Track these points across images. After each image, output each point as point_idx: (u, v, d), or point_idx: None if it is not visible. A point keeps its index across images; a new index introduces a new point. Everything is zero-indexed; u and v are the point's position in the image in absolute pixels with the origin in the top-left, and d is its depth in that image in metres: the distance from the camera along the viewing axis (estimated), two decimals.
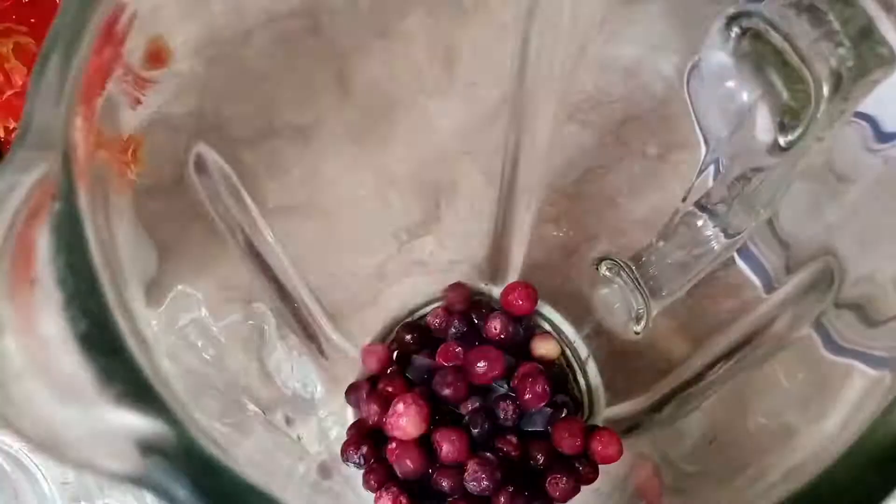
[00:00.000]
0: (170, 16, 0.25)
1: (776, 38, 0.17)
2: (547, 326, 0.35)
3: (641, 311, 0.29)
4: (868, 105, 0.19)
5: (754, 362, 0.22)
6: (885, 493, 0.11)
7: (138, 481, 0.11)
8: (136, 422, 0.11)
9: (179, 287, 0.26)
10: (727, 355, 0.24)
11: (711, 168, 0.27)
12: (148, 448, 0.11)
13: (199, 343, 0.25)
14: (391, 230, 0.40)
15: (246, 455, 0.22)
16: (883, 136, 0.20)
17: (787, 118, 0.18)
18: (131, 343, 0.12)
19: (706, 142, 0.23)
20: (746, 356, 0.23)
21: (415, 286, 0.38)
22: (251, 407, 0.26)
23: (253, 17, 0.40)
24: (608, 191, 0.40)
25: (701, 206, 0.27)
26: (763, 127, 0.19)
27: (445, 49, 0.39)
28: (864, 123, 0.20)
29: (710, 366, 0.25)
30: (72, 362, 0.11)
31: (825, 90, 0.17)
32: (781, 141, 0.18)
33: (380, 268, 0.39)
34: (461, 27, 0.38)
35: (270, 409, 0.27)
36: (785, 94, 0.17)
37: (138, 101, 0.22)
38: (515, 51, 0.29)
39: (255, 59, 0.38)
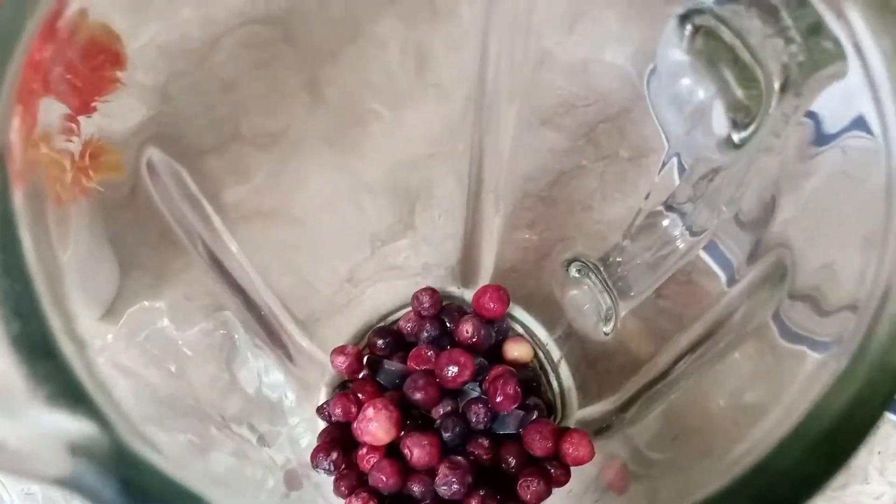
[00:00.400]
0: (125, 18, 0.25)
1: (728, 34, 0.17)
2: (520, 329, 0.35)
3: (610, 311, 0.29)
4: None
5: (717, 355, 0.22)
6: (826, 475, 0.11)
7: (66, 483, 0.11)
8: (66, 423, 0.11)
9: (142, 299, 0.26)
10: (691, 349, 0.24)
11: (675, 167, 0.27)
12: (77, 450, 0.11)
13: (163, 356, 0.25)
14: (365, 236, 0.39)
15: (210, 468, 0.22)
16: (823, 138, 0.20)
17: (740, 115, 0.18)
18: (65, 345, 0.12)
19: (667, 140, 0.23)
20: (709, 350, 0.23)
21: (388, 291, 0.38)
22: (218, 419, 0.25)
23: (222, 24, 0.40)
24: (581, 194, 0.40)
25: (667, 205, 0.27)
26: (718, 124, 0.19)
27: (417, 53, 0.39)
28: (810, 122, 0.20)
29: (676, 361, 0.25)
30: (3, 363, 0.11)
31: (776, 86, 0.17)
32: (735, 138, 0.18)
33: (352, 273, 0.39)
34: (433, 31, 0.38)
35: (238, 421, 0.26)
36: (738, 91, 0.18)
37: (91, 106, 0.22)
38: (477, 53, 0.29)
39: (222, 65, 0.38)
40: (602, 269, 0.29)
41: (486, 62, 0.28)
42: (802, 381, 0.14)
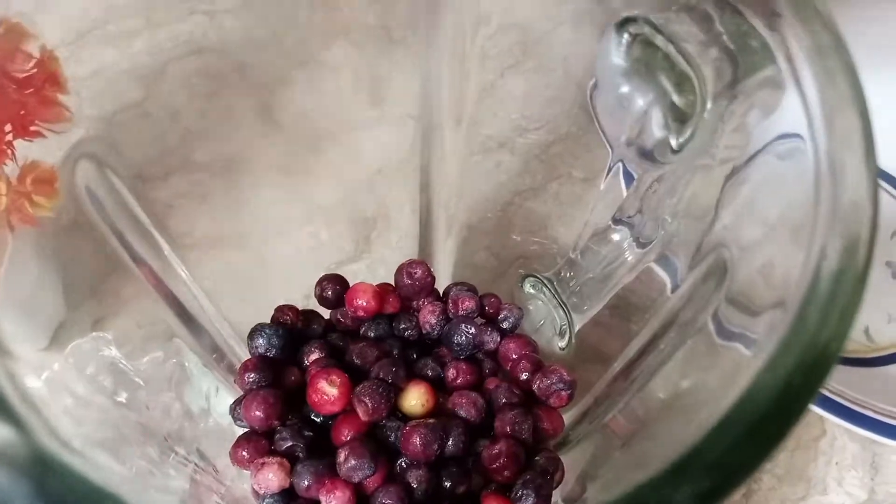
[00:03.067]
0: (71, 44, 0.25)
1: (662, 41, 0.18)
2: None
3: (565, 326, 0.29)
4: None
5: (662, 360, 0.22)
6: (754, 463, 0.11)
7: None
8: None
9: (90, 328, 0.25)
10: (639, 356, 0.24)
11: (623, 180, 0.27)
12: None
13: (113, 386, 0.24)
14: (321, 262, 0.39)
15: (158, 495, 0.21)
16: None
17: (677, 120, 0.18)
18: None
19: (612, 149, 0.24)
20: (655, 356, 0.23)
21: None
22: (169, 446, 0.25)
23: (170, 52, 0.39)
24: (536, 213, 0.41)
25: (615, 219, 0.28)
26: (657, 130, 0.19)
27: (371, 79, 0.39)
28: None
29: (627, 369, 0.25)
30: None
31: (710, 89, 0.17)
32: (673, 143, 0.18)
33: (309, 298, 0.38)
34: (386, 57, 0.39)
35: (189, 447, 0.26)
36: (674, 97, 0.18)
37: (31, 130, 0.22)
38: (422, 80, 0.29)
39: (172, 94, 0.38)
40: (555, 283, 0.29)
41: (430, 88, 0.28)
42: (731, 372, 0.14)
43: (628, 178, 0.27)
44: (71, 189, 0.22)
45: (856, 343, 0.37)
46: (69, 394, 0.21)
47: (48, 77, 0.21)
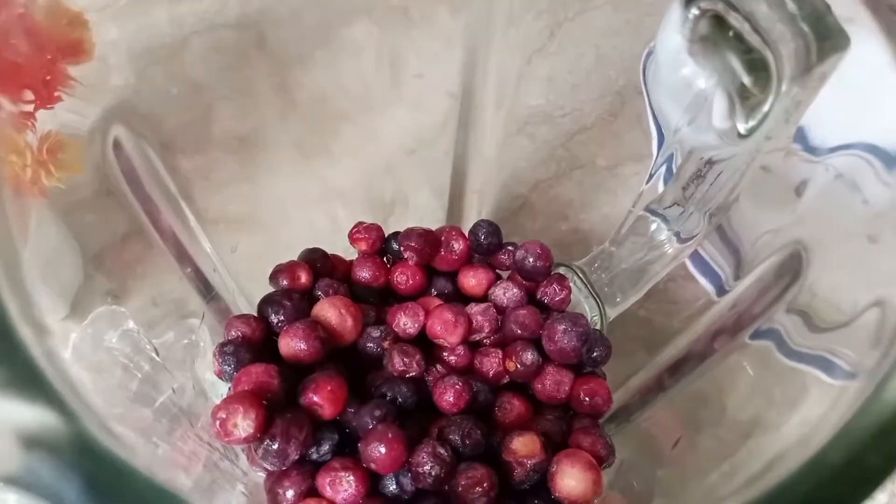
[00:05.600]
0: (95, 12, 0.24)
1: (736, 18, 0.17)
2: None
3: (596, 317, 0.28)
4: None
5: (711, 365, 0.21)
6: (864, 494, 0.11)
7: (18, 481, 0.09)
8: (20, 412, 0.09)
9: (107, 301, 0.24)
10: (681, 361, 0.23)
11: (663, 172, 0.26)
12: (31, 442, 0.09)
13: (130, 359, 0.23)
14: (337, 245, 0.38)
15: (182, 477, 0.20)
16: (812, 150, 0.20)
17: (746, 103, 0.17)
18: (21, 328, 0.10)
19: (661, 135, 0.23)
20: (702, 361, 0.22)
21: None
22: (186, 425, 0.24)
23: (191, 26, 0.38)
24: (558, 203, 0.40)
25: (653, 210, 0.27)
26: (721, 114, 0.18)
27: (392, 58, 0.38)
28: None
29: (671, 369, 0.24)
30: None
31: (787, 70, 0.16)
32: (741, 128, 0.17)
33: None
34: (407, 36, 0.38)
35: (205, 427, 0.25)
36: (745, 78, 0.17)
37: (54, 96, 0.21)
38: (464, 61, 0.28)
39: (193, 66, 0.37)
40: (586, 272, 0.28)
41: (474, 72, 0.27)
42: (818, 404, 0.13)
43: (669, 168, 0.26)
44: (100, 158, 0.21)
45: None
46: (90, 365, 0.20)
47: (74, 43, 0.20)
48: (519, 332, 0.25)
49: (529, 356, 0.24)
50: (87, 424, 0.10)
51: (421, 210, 0.38)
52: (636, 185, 0.39)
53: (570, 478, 0.22)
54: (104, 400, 0.12)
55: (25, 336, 0.10)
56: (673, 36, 0.18)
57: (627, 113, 0.40)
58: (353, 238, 0.29)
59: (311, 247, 0.30)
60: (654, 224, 0.27)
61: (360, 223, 0.30)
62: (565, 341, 0.24)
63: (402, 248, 0.27)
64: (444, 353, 0.26)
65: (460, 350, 0.25)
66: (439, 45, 0.37)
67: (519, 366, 0.24)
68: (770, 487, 0.12)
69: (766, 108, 0.16)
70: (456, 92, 0.30)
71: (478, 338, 0.26)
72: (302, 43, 0.38)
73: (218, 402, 0.24)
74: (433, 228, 0.28)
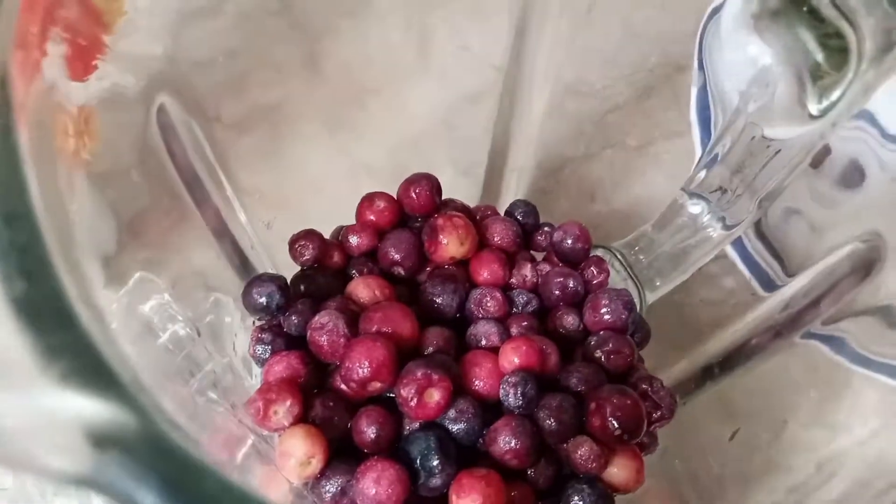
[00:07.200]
0: None
1: None
2: None
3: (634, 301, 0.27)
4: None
5: (760, 361, 0.21)
6: None
7: (89, 482, 0.09)
8: (86, 407, 0.09)
9: (141, 271, 0.24)
10: (731, 354, 0.23)
11: (718, 153, 0.25)
12: (102, 441, 0.09)
13: (162, 332, 0.22)
14: None
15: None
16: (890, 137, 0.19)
17: (819, 83, 0.16)
18: (82, 312, 0.09)
19: (710, 114, 0.22)
20: (750, 356, 0.22)
21: None
22: (217, 399, 0.23)
23: None
24: (587, 182, 0.39)
25: (696, 194, 0.26)
26: (788, 94, 0.17)
27: (420, 30, 0.37)
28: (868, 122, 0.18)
29: (720, 363, 0.23)
30: (4, 332, 0.09)
31: (868, 49, 0.15)
32: (812, 109, 0.16)
33: None
34: (437, 7, 0.37)
35: (237, 405, 0.24)
36: (819, 55, 0.16)
37: (92, 65, 0.20)
38: (511, 34, 0.27)
39: (227, 32, 0.36)
40: (626, 255, 0.27)
41: (524, 45, 0.26)
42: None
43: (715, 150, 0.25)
44: (140, 127, 0.20)
45: None
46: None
47: (106, 11, 0.19)
48: (559, 293, 0.24)
49: (571, 319, 0.23)
50: (157, 421, 0.09)
51: (447, 188, 0.37)
52: (669, 166, 0.38)
53: (612, 465, 0.21)
54: (154, 382, 0.11)
55: (86, 321, 0.09)
56: (739, 10, 0.17)
57: (661, 91, 0.39)
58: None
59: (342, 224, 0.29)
60: (699, 207, 0.26)
61: None
62: (612, 309, 0.23)
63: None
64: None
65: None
66: (474, 16, 0.36)
67: (561, 330, 0.24)
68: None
69: (841, 88, 0.16)
70: (499, 65, 0.29)
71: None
72: (328, 11, 0.37)
73: (254, 382, 0.24)
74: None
